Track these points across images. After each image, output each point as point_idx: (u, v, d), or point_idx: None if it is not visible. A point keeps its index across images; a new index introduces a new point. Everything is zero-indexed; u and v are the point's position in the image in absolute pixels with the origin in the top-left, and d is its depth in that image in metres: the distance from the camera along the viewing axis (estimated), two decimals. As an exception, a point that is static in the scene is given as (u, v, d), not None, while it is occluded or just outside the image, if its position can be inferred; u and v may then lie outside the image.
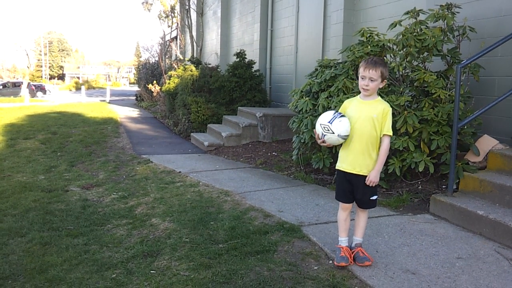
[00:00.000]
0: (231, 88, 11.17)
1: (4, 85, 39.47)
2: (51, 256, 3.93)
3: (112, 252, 3.94)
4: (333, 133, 3.18)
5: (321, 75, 6.30)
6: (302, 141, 6.14)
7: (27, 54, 47.89)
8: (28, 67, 46.98)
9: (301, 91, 6.54)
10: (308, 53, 10.37)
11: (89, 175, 7.08)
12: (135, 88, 56.57)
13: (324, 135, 3.23)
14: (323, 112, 5.83)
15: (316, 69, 6.74)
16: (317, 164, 5.95)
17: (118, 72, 76.10)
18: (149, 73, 20.16)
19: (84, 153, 8.80)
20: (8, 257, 3.93)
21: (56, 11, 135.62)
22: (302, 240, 3.82)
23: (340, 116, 3.20)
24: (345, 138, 3.22)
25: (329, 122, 3.19)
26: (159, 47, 33.78)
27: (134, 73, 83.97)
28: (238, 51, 12.06)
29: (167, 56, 24.57)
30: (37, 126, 12.79)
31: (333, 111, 3.28)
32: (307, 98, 6.23)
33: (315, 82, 6.30)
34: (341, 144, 3.35)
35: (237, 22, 15.69)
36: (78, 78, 75.25)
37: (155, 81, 17.30)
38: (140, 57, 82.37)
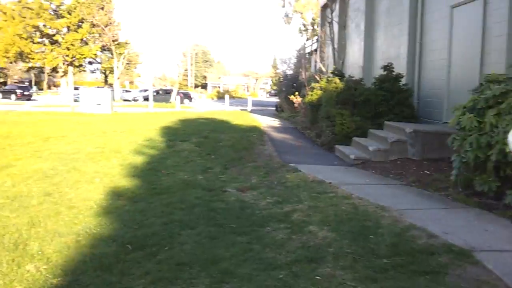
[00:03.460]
0: (377, 101, 10.96)
1: (157, 92, 43.59)
2: (219, 250, 4.21)
3: (275, 253, 4.10)
4: None
5: (488, 91, 5.87)
6: (464, 160, 5.78)
7: (177, 65, 52.79)
8: (178, 76, 51.73)
9: (464, 107, 6.17)
10: (463, 67, 9.75)
11: (242, 178, 7.47)
12: (272, 99, 58.55)
13: None
14: (490, 130, 5.47)
15: (482, 84, 6.31)
16: (481, 186, 5.55)
17: (255, 83, 79.53)
18: (290, 84, 20.70)
19: (235, 157, 9.33)
20: (183, 246, 4.31)
21: (203, 26, 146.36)
22: (476, 266, 3.58)
23: None
24: None
25: None
26: (296, 59, 34.56)
27: (270, 85, 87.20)
28: (383, 64, 11.81)
29: (306, 68, 24.97)
30: (190, 130, 13.90)
31: None
32: (471, 115, 5.85)
33: (481, 98, 5.89)
34: None
35: (381, 35, 15.37)
36: (219, 87, 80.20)
37: (296, 93, 17.70)
38: (277, 69, 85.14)
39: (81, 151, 9.82)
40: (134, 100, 44.48)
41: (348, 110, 11.08)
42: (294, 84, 19.77)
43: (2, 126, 15.15)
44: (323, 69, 18.15)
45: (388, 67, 11.54)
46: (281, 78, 24.09)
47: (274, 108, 27.68)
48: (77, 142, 11.20)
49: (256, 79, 79.62)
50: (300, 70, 26.84)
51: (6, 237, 4.54)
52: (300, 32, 37.08)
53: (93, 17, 40.60)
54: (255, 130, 14.30)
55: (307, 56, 26.17)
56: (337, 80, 12.73)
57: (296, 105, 17.13)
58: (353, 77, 13.50)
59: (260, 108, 31.53)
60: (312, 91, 14.31)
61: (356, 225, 4.68)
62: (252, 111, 25.69)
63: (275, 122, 18.09)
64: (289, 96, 18.43)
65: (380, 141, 9.28)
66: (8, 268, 3.82)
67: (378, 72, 12.79)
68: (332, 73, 14.53)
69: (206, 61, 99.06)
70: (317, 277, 3.53)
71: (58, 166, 8.16)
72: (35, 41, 39.61)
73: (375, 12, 15.84)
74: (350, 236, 4.35)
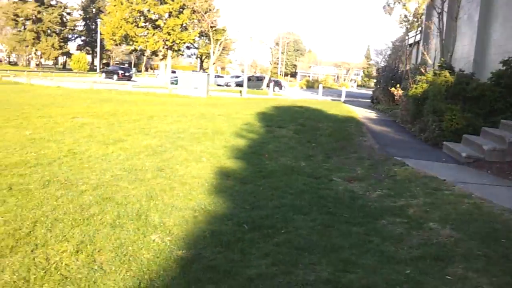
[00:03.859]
0: (493, 98, 10.16)
1: (249, 78, 44.18)
2: (336, 238, 4.12)
3: (395, 247, 3.92)
4: None
5: None
6: None
7: (271, 52, 53.16)
8: (270, 64, 52.16)
9: None
10: None
11: (347, 168, 7.30)
12: (363, 90, 57.15)
13: None
14: None
15: None
16: None
17: (346, 74, 78.00)
18: (388, 76, 19.95)
19: (336, 147, 9.15)
20: (298, 231, 4.27)
21: (297, 14, 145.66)
22: None
23: None
24: None
25: None
26: (393, 50, 33.23)
27: (362, 76, 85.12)
28: (502, 59, 10.88)
29: (408, 61, 23.93)
30: (286, 117, 13.89)
31: None
32: None
33: None
34: None
35: (498, 28, 14.21)
36: (309, 76, 79.67)
37: (398, 85, 17.01)
38: (370, 60, 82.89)
39: (185, 131, 10.17)
40: (227, 85, 45.49)
41: (458, 105, 10.39)
42: (394, 76, 18.98)
43: (109, 104, 16.19)
44: (430, 61, 17.21)
45: (508, 62, 10.63)
46: (379, 70, 23.29)
47: (367, 100, 26.97)
48: (180, 122, 11.62)
49: (347, 70, 78.00)
50: (397, 61, 25.80)
51: (128, 207, 4.78)
52: (401, 23, 35.38)
53: (194, 3, 41.96)
54: (352, 121, 13.98)
55: (408, 48, 25.02)
56: (447, 73, 11.98)
57: (396, 97, 16.45)
58: (463, 71, 12.65)
59: (352, 99, 30.81)
60: (416, 84, 13.62)
61: (482, 226, 4.35)
62: (345, 102, 25.19)
63: (372, 114, 17.56)
64: (388, 88, 17.76)
65: (496, 140, 8.59)
66: (135, 236, 4.00)
67: (492, 66, 11.86)
68: (439, 66, 13.71)
69: (297, 50, 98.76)
70: (448, 277, 3.32)
71: (166, 144, 8.49)
72: (139, 25, 41.80)
73: (493, 3, 14.67)
74: (477, 238, 4.05)
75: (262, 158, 7.77)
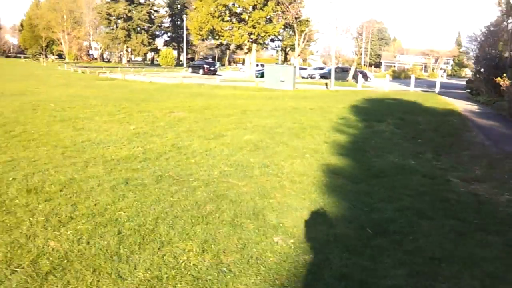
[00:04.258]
0: None
1: (334, 70, 43.28)
2: (473, 248, 3.76)
3: (546, 262, 3.50)
4: None
5: None
6: None
7: (357, 42, 51.70)
8: (356, 54, 50.85)
9: None
10: None
11: (462, 168, 6.76)
12: (453, 81, 53.72)
13: None
14: None
15: None
16: None
17: (435, 63, 73.86)
18: (490, 65, 18.50)
19: (443, 143, 8.58)
20: (428, 238, 3.96)
21: (380, 1, 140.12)
22: None
23: None
24: None
25: None
26: (488, 36, 30.72)
27: (452, 65, 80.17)
28: None
29: (503, 46, 22.07)
30: (381, 110, 13.36)
31: None
32: None
33: None
34: None
35: None
36: (394, 66, 76.54)
37: (504, 74, 15.70)
38: (461, 47, 77.79)
39: (282, 125, 10.07)
40: (311, 77, 44.91)
41: None
42: (498, 65, 17.55)
43: (201, 98, 16.57)
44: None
45: None
46: (479, 57, 21.69)
47: (461, 91, 25.39)
48: (274, 117, 11.56)
49: (436, 59, 73.79)
50: (494, 48, 23.83)
51: (243, 205, 4.73)
52: (500, 5, 32.66)
53: (278, -6, 41.83)
54: (453, 114, 13.14)
55: (510, 32, 23.05)
56: None
57: (503, 88, 15.20)
58: None
59: (445, 90, 29.08)
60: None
61: None
62: (439, 93, 23.81)
63: (472, 107, 16.39)
64: (491, 78, 16.46)
65: None
66: (257, 237, 3.93)
67: None
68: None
69: (382, 39, 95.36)
70: None
71: (266, 139, 8.43)
72: (224, 19, 42.43)
73: None
74: None
75: (367, 155, 7.45)
